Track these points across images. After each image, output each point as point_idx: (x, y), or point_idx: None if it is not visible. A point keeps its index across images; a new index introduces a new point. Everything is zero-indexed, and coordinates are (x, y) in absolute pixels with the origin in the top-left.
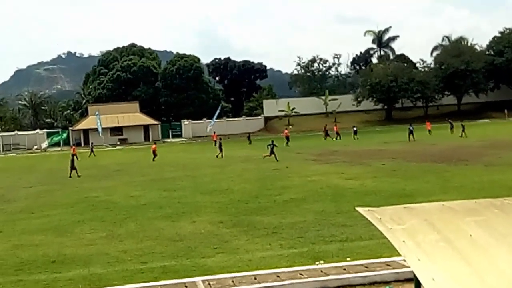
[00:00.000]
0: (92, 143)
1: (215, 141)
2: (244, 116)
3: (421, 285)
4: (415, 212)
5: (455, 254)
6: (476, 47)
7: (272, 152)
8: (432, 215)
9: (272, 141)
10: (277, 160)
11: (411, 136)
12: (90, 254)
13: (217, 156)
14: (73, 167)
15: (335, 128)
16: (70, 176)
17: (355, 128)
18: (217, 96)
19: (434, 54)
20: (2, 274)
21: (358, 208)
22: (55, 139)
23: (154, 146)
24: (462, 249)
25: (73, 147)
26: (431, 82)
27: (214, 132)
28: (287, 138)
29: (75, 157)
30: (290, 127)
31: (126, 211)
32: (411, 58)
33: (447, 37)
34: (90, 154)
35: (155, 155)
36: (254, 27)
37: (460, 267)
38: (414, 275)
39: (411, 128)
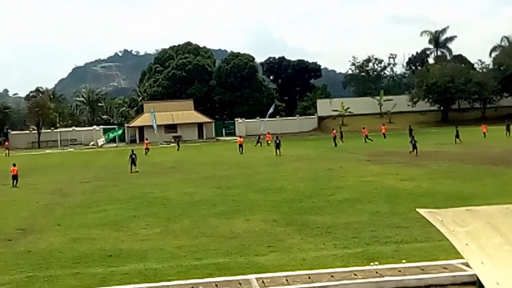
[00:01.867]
0: (179, 137)
1: (268, 142)
2: (297, 116)
3: None
4: (478, 214)
5: None
6: None
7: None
8: (495, 218)
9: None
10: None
11: (457, 139)
12: (146, 249)
13: (276, 154)
14: (134, 163)
15: (383, 128)
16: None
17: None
18: (271, 95)
19: (493, 55)
20: (60, 266)
21: (418, 210)
22: (111, 135)
23: (146, 141)
24: None
25: (146, 141)
26: (489, 83)
27: (268, 132)
28: (335, 138)
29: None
30: (334, 130)
31: (181, 207)
32: (468, 59)
33: (506, 38)
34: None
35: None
36: (308, 27)
37: None
38: (477, 278)
39: (457, 130)
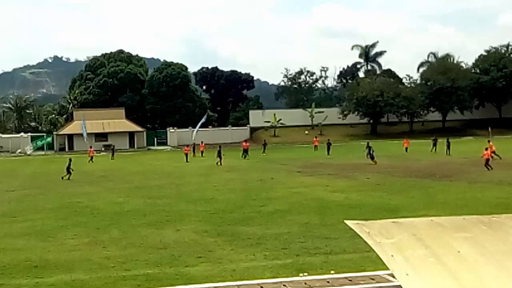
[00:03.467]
0: (113, 146)
1: (202, 152)
2: (230, 126)
3: None
4: (403, 226)
5: (443, 269)
6: (462, 64)
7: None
8: (420, 230)
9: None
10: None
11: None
12: (73, 259)
13: (217, 163)
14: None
15: (315, 141)
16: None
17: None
18: (204, 105)
19: (421, 70)
20: None
21: (347, 221)
22: (40, 143)
23: (91, 149)
24: (450, 265)
25: (91, 149)
26: (417, 98)
27: (202, 142)
28: (245, 151)
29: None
30: (248, 143)
31: (110, 217)
32: (397, 73)
33: (434, 53)
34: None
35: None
36: (242, 38)
37: (448, 283)
38: None
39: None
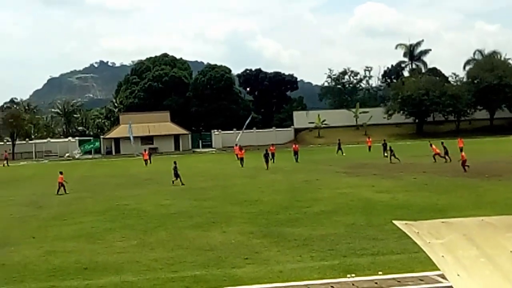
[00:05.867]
0: (149, 149)
1: (237, 155)
2: (274, 128)
3: None
4: (453, 226)
5: (495, 270)
6: (510, 61)
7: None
8: (471, 230)
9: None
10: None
11: (385, 153)
12: (122, 261)
13: (267, 168)
14: (177, 175)
15: (368, 141)
16: (174, 183)
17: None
18: (248, 107)
19: (467, 68)
20: (34, 279)
21: (395, 222)
22: (88, 147)
23: (145, 153)
24: (502, 265)
25: (145, 153)
26: (463, 96)
27: (236, 145)
28: (296, 153)
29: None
30: (297, 145)
31: (157, 219)
32: (443, 72)
33: (480, 51)
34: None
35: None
36: (284, 39)
37: (500, 284)
38: None
39: (384, 144)
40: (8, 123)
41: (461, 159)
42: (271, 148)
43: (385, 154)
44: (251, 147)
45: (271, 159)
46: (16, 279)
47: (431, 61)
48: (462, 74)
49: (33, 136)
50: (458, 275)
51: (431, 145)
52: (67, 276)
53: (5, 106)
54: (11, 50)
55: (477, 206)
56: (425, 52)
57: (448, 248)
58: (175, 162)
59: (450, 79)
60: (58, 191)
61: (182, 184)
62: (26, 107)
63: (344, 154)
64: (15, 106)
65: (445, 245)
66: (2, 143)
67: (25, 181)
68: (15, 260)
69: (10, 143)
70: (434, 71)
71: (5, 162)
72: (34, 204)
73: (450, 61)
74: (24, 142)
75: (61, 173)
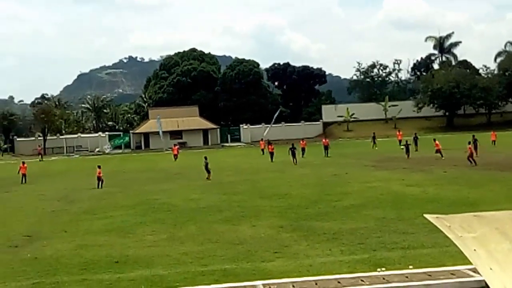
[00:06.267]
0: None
1: (263, 150)
2: (302, 122)
3: None
4: (485, 220)
5: None
6: None
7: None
8: (503, 223)
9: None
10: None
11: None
12: (152, 255)
13: (295, 163)
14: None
15: (398, 135)
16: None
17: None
18: (276, 101)
19: (498, 60)
20: (67, 273)
21: (426, 215)
22: (118, 142)
23: (176, 147)
24: None
25: (176, 147)
26: (494, 88)
27: (262, 139)
28: (326, 147)
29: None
30: (327, 140)
31: (187, 214)
32: (474, 64)
33: (511, 43)
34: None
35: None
36: (312, 33)
37: None
38: (486, 284)
39: (415, 137)
40: (39, 119)
41: (468, 151)
42: (302, 142)
43: (416, 149)
44: (280, 142)
45: (301, 154)
46: (48, 273)
47: (461, 53)
48: (493, 66)
49: (63, 132)
50: (491, 269)
51: (434, 140)
52: (98, 270)
53: (36, 102)
54: (42, 47)
55: (509, 199)
56: (455, 44)
57: (481, 242)
58: (205, 158)
59: (480, 71)
60: (98, 184)
61: (208, 179)
62: (57, 103)
63: (376, 148)
64: (46, 102)
65: (477, 238)
66: (34, 138)
67: (56, 176)
68: (47, 254)
69: (42, 138)
70: (465, 64)
71: (39, 157)
72: (65, 198)
73: (480, 53)
74: (55, 137)
75: (99, 167)
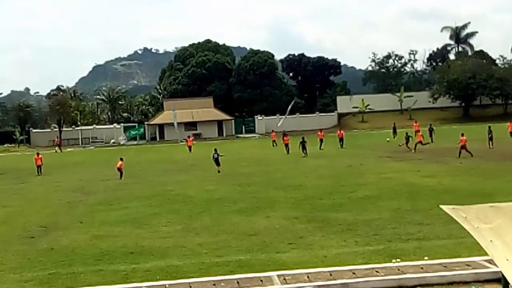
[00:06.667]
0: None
1: (274, 141)
2: (317, 113)
3: (509, 286)
4: (502, 211)
5: None
6: None
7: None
8: None
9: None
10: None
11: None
12: (167, 246)
13: (305, 155)
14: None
15: (414, 126)
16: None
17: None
18: (291, 92)
19: None
20: (83, 263)
21: (442, 206)
22: (133, 133)
23: (190, 139)
24: None
25: (190, 139)
26: (511, 79)
27: (273, 131)
28: (341, 139)
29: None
30: (342, 131)
31: (201, 205)
32: (490, 54)
33: None
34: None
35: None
36: (326, 24)
37: None
38: (503, 275)
39: (431, 128)
40: (55, 110)
41: (460, 143)
42: (319, 133)
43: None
44: (294, 133)
45: (319, 145)
46: (64, 263)
47: (477, 43)
48: (510, 56)
49: (79, 123)
50: (507, 259)
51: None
52: (114, 260)
53: (51, 93)
54: (58, 39)
55: None
56: (472, 34)
57: (497, 233)
58: (215, 150)
59: (497, 61)
60: (120, 176)
61: (218, 172)
62: (72, 94)
63: (392, 139)
64: (61, 93)
65: (493, 229)
66: (49, 130)
67: (71, 167)
68: (63, 245)
69: (57, 129)
70: (481, 54)
71: (57, 148)
72: (81, 189)
73: (497, 44)
74: (71, 129)
75: (121, 159)
